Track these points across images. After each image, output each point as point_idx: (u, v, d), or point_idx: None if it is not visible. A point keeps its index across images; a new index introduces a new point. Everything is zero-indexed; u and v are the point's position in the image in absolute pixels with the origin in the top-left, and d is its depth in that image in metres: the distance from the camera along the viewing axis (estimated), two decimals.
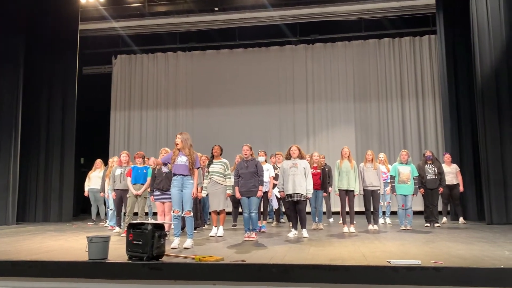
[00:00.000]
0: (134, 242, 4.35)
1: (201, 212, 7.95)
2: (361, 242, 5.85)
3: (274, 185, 7.74)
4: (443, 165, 8.68)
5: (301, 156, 6.76)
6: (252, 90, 13.32)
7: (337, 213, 8.87)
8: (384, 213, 9.13)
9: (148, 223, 4.42)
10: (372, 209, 7.81)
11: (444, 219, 8.97)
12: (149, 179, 7.22)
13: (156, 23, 12.87)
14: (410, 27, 12.67)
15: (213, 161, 7.20)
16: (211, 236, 6.86)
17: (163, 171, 6.75)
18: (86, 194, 9.82)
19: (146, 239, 4.26)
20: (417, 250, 5.03)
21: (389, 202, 9.06)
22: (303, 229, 6.67)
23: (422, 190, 8.17)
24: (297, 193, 6.53)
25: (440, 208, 8.82)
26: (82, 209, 12.80)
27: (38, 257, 4.63)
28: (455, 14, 10.00)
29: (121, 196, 7.77)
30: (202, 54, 13.96)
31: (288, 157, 6.80)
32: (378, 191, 7.82)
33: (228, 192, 7.09)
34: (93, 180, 9.65)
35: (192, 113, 13.69)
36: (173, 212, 5.58)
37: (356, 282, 3.80)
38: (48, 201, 10.37)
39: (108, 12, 12.03)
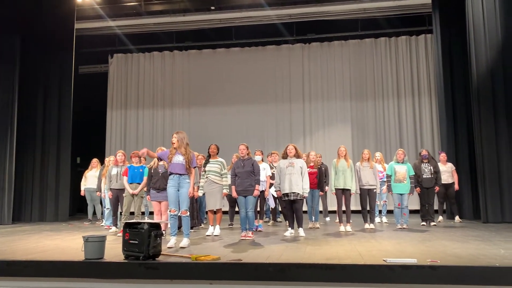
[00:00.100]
0: (131, 241, 4.34)
1: (197, 212, 7.94)
2: (358, 241, 5.86)
3: (271, 185, 7.75)
4: (439, 164, 8.71)
5: (297, 155, 6.77)
6: (249, 89, 13.31)
7: (334, 212, 8.91)
8: (380, 212, 9.17)
9: (144, 223, 4.41)
10: (368, 208, 7.84)
11: (440, 217, 9.00)
12: (145, 178, 7.22)
13: (153, 22, 12.85)
14: (407, 26, 12.69)
15: (210, 160, 7.21)
16: (207, 235, 6.86)
17: (160, 170, 6.73)
18: (82, 193, 9.81)
19: (143, 239, 4.25)
20: (413, 249, 5.04)
21: (385, 201, 9.11)
22: (300, 228, 6.68)
23: (418, 189, 8.20)
24: (293, 192, 6.55)
25: (436, 207, 8.85)
26: (78, 208, 12.79)
27: (34, 257, 4.62)
28: (451, 14, 10.04)
29: (117, 196, 7.75)
30: (198, 53, 13.93)
31: (285, 156, 6.81)
32: (375, 190, 7.85)
33: (225, 191, 7.09)
34: (90, 180, 9.63)
35: (189, 112, 13.66)
36: (170, 211, 5.57)
37: (353, 281, 3.80)
38: (44, 200, 10.33)
39: (104, 11, 11.99)
